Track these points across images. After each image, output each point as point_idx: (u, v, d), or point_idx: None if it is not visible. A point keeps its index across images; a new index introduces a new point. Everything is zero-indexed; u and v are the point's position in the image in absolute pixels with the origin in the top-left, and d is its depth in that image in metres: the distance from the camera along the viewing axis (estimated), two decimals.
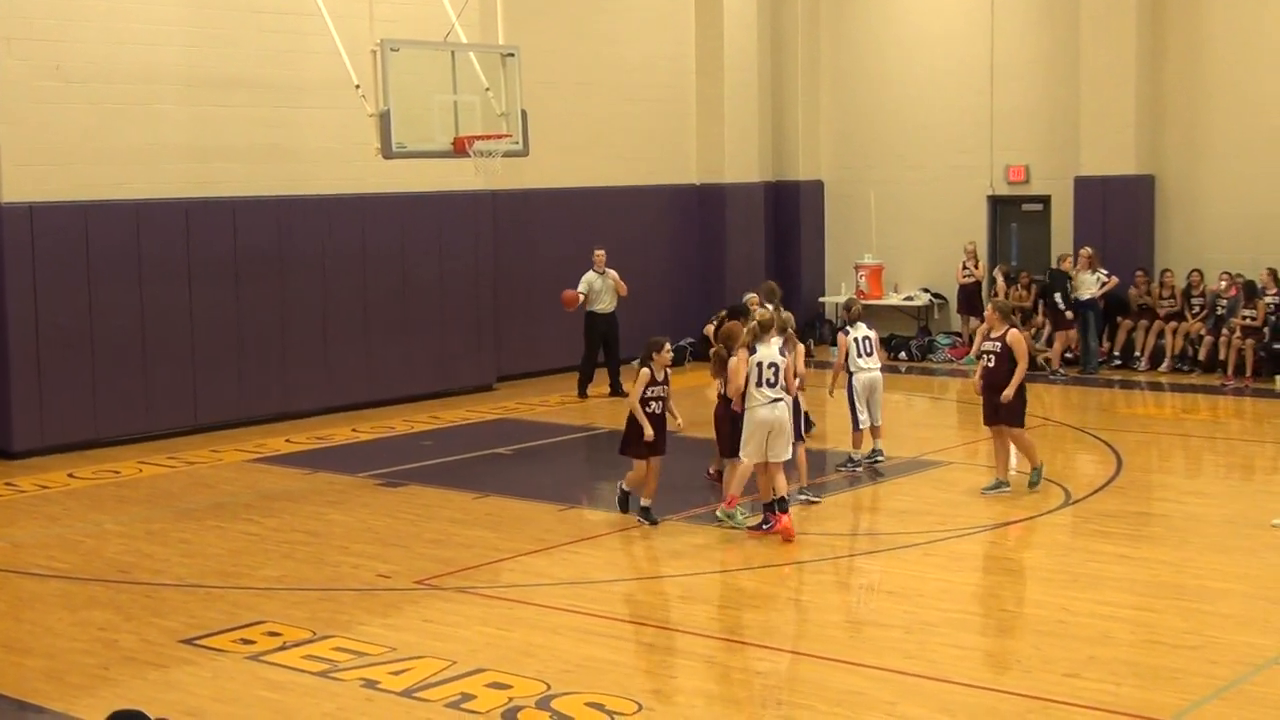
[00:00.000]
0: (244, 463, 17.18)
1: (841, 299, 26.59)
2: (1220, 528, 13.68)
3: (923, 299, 25.95)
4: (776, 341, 13.23)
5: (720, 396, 13.75)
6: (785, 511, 12.96)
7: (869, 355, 15.98)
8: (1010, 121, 25.27)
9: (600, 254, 21.58)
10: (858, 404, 15.84)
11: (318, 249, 20.02)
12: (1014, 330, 14.59)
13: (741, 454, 13.15)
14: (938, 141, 26.01)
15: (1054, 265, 23.36)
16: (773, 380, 12.97)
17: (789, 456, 13.20)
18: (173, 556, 13.00)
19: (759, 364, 12.99)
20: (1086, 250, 22.81)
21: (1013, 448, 14.89)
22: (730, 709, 9.24)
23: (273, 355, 19.61)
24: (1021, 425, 14.69)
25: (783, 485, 13.02)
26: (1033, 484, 14.69)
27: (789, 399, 13.28)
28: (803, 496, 14.15)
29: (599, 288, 21.48)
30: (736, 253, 25.84)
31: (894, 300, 26.25)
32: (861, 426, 15.92)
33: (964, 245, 24.86)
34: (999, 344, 14.51)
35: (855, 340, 15.96)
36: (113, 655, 10.29)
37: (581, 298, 20.86)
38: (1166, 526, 13.78)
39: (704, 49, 25.58)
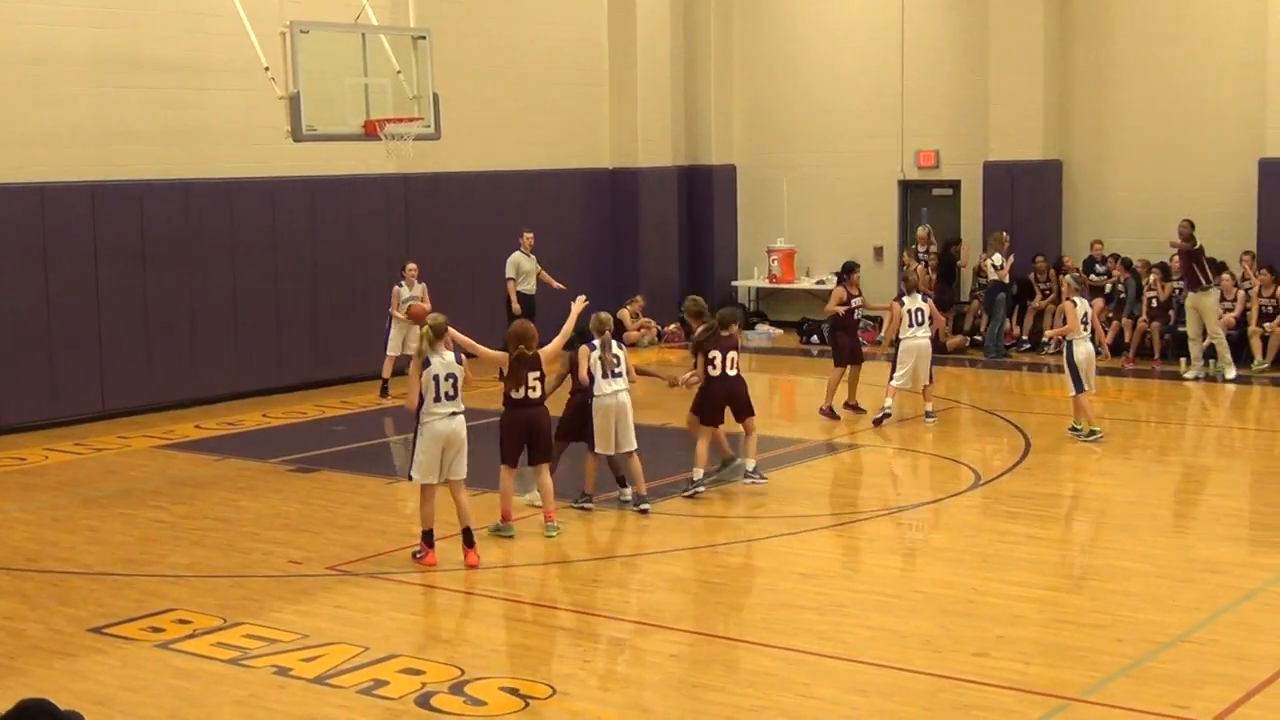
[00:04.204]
0: (153, 449, 16.98)
1: (756, 282, 26.86)
2: (1126, 508, 13.89)
3: (835, 283, 26.06)
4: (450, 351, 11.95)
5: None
6: (467, 544, 11.98)
7: (920, 325, 17.45)
8: (920, 107, 25.49)
9: (529, 236, 21.80)
10: (900, 367, 17.42)
11: (226, 232, 19.81)
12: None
13: (414, 473, 11.92)
14: (849, 126, 26.18)
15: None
16: (451, 393, 11.80)
17: (464, 475, 11.98)
18: (80, 544, 12.83)
19: (435, 376, 11.72)
20: (1002, 234, 23.02)
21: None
22: (643, 692, 9.25)
23: (181, 340, 19.40)
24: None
25: (464, 511, 11.96)
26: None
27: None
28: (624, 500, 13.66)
29: (527, 268, 21.65)
30: (649, 237, 25.89)
31: (806, 284, 26.40)
32: (895, 384, 17.50)
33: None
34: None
35: (908, 311, 17.42)
36: (19, 644, 10.15)
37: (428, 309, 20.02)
38: (1074, 507, 13.96)
39: (616, 33, 25.56)
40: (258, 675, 9.45)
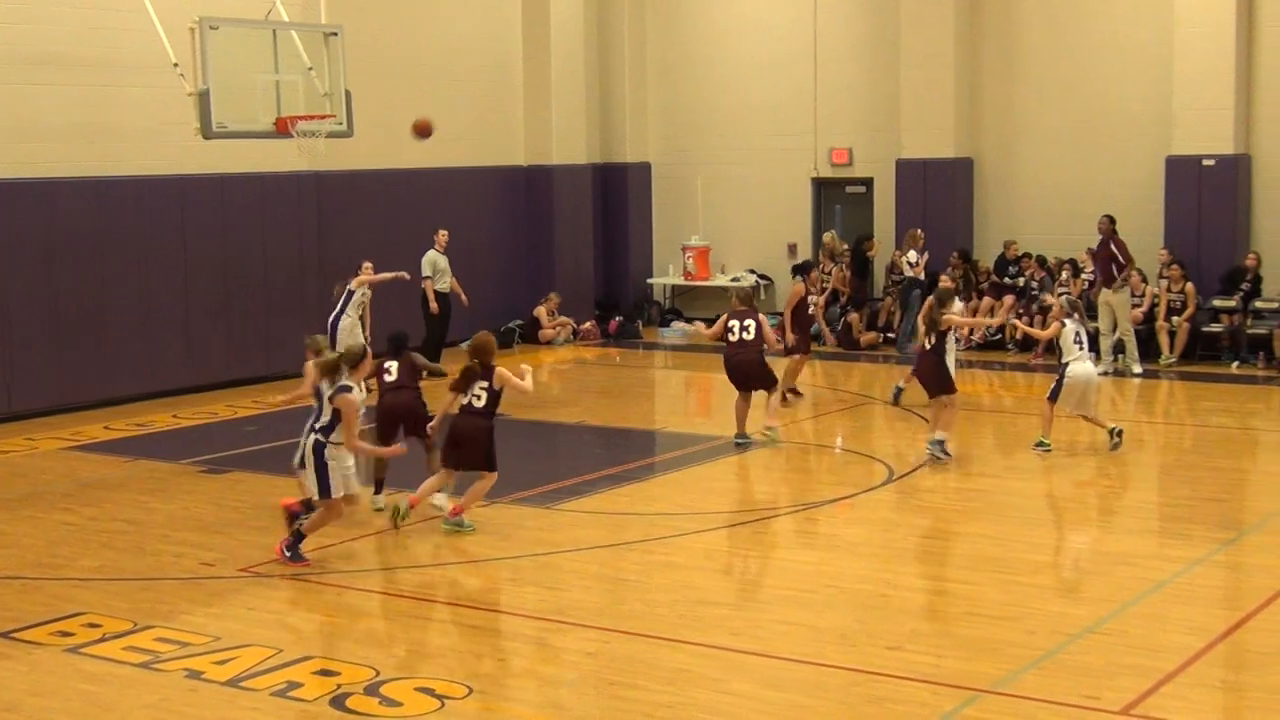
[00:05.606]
0: (61, 450, 16.76)
1: (671, 280, 26.91)
2: (1037, 502, 14.07)
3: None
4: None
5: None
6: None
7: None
8: (833, 105, 25.65)
9: (443, 234, 21.68)
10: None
11: (136, 230, 19.58)
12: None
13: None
14: (763, 124, 26.29)
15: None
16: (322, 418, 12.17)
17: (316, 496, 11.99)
18: None
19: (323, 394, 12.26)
20: (917, 232, 23.24)
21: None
22: (560, 690, 9.25)
23: (90, 339, 19.15)
24: None
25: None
26: None
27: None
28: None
29: (443, 267, 21.52)
30: (564, 235, 25.86)
31: (721, 281, 26.48)
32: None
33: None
34: None
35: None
36: None
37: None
38: (986, 501, 14.09)
39: (530, 30, 25.51)
40: (169, 679, 9.35)
